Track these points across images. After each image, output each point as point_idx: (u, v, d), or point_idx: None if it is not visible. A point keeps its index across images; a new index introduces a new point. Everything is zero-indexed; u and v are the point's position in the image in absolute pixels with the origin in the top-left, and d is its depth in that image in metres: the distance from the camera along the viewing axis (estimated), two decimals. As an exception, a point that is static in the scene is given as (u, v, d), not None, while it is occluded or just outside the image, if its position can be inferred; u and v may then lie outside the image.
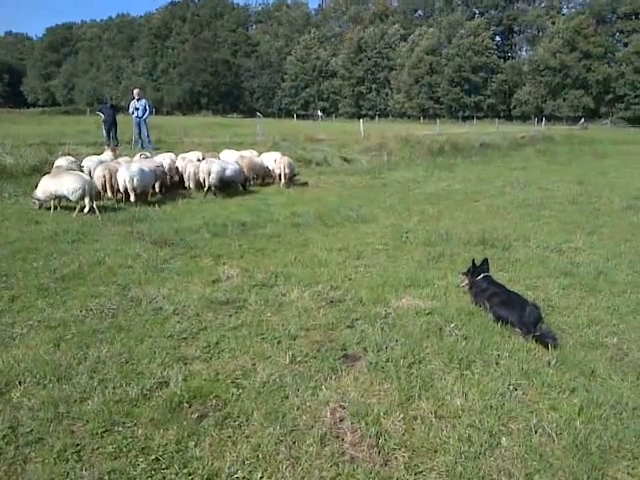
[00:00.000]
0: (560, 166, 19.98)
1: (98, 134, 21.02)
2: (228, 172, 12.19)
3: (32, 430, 3.28)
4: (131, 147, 18.13)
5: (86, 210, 9.48)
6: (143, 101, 19.68)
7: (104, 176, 10.52)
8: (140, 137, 19.53)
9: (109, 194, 10.71)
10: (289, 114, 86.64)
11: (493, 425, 3.40)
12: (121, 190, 10.56)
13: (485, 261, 5.63)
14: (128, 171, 10.44)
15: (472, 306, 5.35)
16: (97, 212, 9.47)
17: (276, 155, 14.56)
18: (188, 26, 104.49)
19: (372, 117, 78.13)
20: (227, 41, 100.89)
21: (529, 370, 4.10)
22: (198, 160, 12.91)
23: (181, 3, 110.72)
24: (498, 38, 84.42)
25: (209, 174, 11.78)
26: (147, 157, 12.85)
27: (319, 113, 74.05)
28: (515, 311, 4.80)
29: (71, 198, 9.53)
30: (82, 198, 9.48)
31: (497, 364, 4.19)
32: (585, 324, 5.00)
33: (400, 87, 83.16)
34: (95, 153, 13.56)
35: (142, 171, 10.70)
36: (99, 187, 10.44)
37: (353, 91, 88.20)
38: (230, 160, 13.17)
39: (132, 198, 10.47)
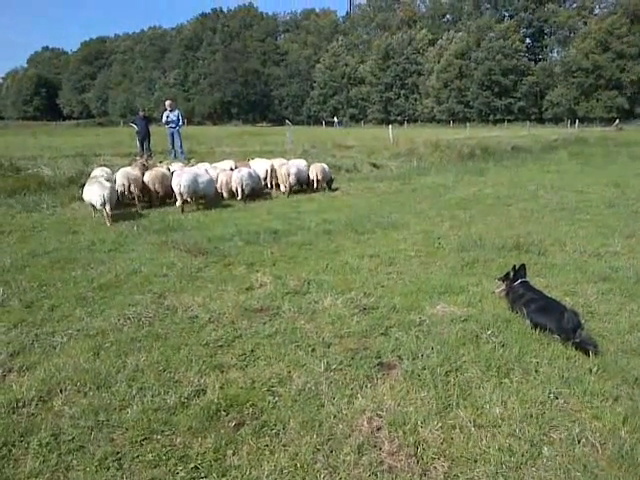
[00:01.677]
0: (595, 169, 19.51)
1: (132, 145, 21.42)
2: (303, 173, 13.79)
3: (74, 438, 3.33)
4: (164, 157, 18.42)
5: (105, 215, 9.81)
6: (176, 112, 20.02)
7: (123, 184, 11.11)
8: (173, 147, 19.86)
9: (137, 200, 11.36)
10: (318, 121, 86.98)
11: (534, 434, 3.33)
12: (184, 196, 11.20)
13: (522, 267, 5.53)
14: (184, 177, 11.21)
15: (509, 313, 5.25)
16: (109, 222, 9.71)
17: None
18: (218, 37, 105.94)
19: (401, 123, 77.98)
20: (256, 51, 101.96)
21: (570, 378, 4.00)
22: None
23: (211, 14, 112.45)
24: (528, 40, 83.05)
25: (288, 175, 13.22)
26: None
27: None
28: (553, 317, 4.68)
29: (97, 207, 9.91)
30: (104, 205, 9.77)
31: (536, 372, 4.10)
32: (626, 330, 4.87)
33: (429, 92, 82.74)
34: (129, 164, 13.80)
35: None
36: (123, 194, 11.19)
37: (381, 97, 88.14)
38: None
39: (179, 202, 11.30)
